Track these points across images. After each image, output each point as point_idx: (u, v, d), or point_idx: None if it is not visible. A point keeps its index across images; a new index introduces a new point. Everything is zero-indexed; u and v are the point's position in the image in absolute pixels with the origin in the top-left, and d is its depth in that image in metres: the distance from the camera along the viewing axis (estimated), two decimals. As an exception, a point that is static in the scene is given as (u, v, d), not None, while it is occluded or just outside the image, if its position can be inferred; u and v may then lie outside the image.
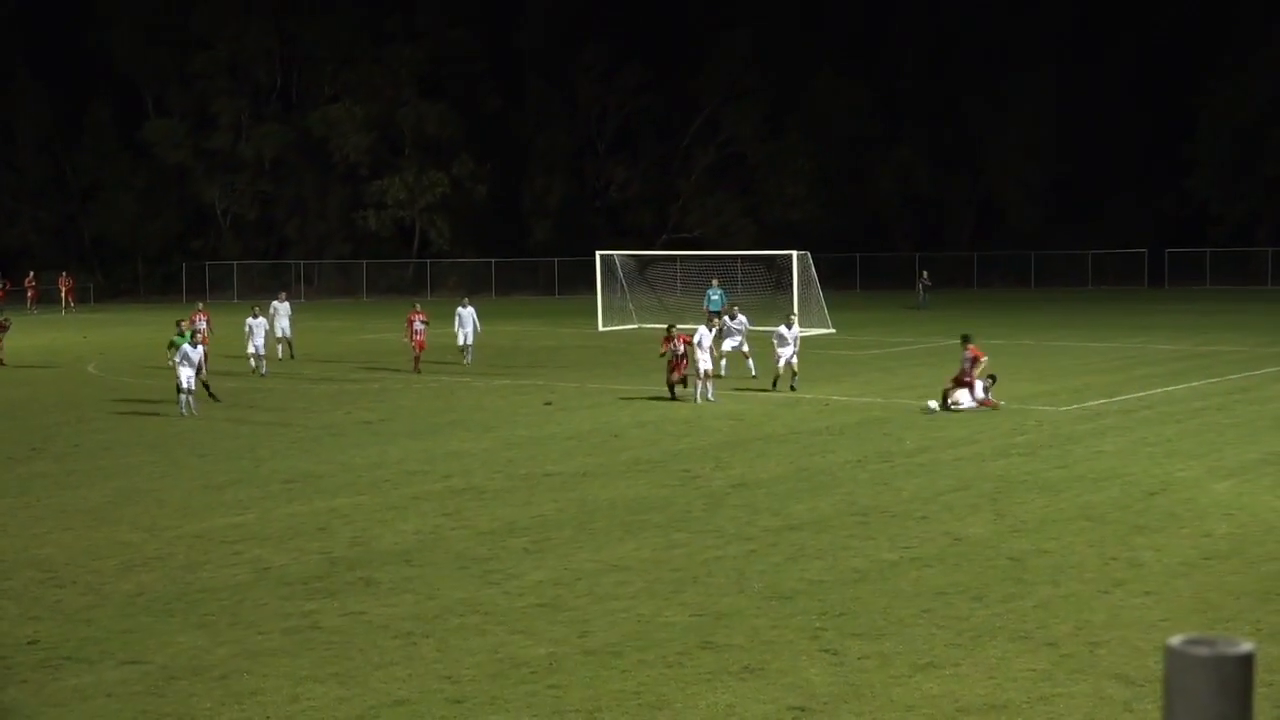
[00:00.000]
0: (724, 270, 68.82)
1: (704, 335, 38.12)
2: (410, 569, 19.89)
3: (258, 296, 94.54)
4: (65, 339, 62.21)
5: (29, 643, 16.60)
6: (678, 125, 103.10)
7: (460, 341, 49.08)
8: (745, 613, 17.26)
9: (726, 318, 44.70)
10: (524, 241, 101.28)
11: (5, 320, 52.08)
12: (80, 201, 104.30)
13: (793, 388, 39.19)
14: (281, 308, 51.17)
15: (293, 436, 33.13)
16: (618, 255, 69.83)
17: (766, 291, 66.60)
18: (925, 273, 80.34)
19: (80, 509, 24.78)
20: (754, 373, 41.84)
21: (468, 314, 49.29)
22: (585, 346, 55.55)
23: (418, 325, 46.92)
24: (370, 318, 76.93)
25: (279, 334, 50.62)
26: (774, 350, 39.85)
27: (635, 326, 62.98)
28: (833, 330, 59.86)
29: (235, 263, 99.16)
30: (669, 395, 37.62)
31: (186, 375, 36.50)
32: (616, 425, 33.60)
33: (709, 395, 37.78)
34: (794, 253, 62.72)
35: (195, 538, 22.22)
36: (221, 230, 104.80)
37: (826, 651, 15.61)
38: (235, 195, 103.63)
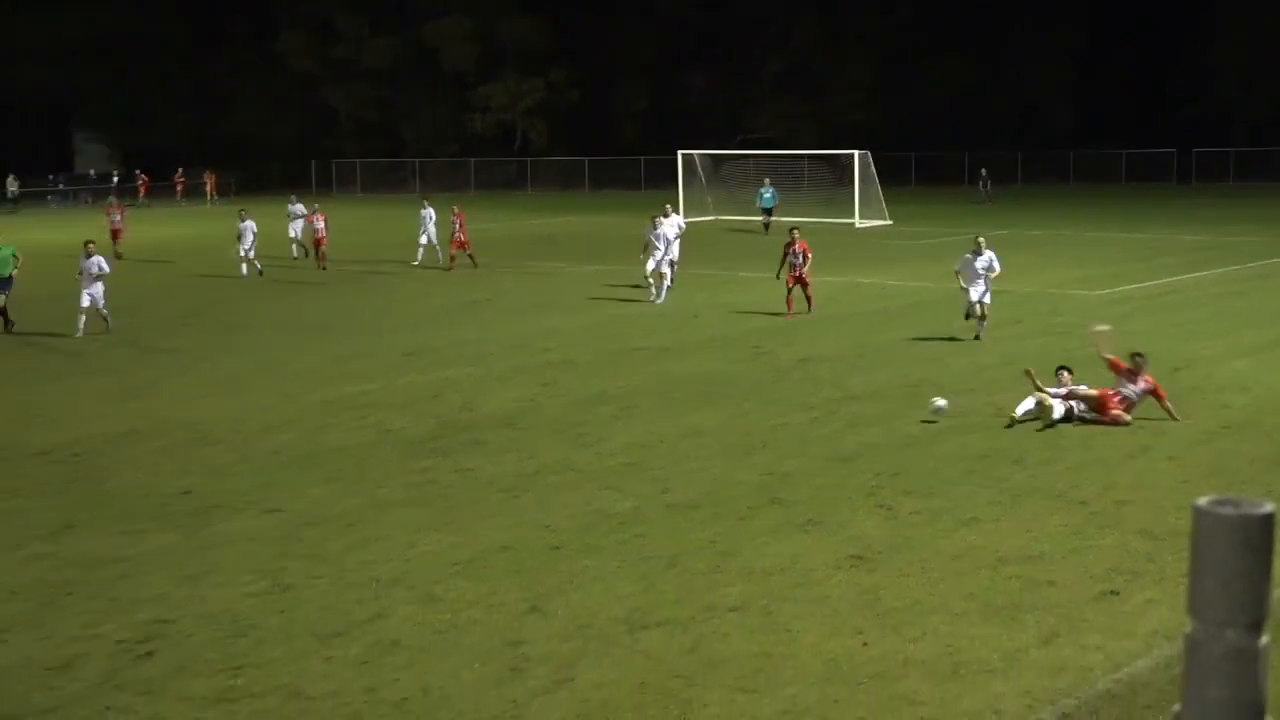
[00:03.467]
0: (790, 169, 68.22)
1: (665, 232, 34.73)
2: (513, 432, 20.04)
3: (378, 191, 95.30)
4: (210, 228, 62.66)
5: (183, 493, 16.91)
6: (749, 36, 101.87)
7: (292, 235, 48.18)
8: (808, 473, 17.31)
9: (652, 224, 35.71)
10: (614, 141, 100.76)
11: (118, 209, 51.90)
12: (221, 106, 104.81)
13: (978, 335, 27.51)
14: (296, 209, 49.01)
15: (410, 314, 33.33)
16: (697, 154, 69.37)
17: (828, 188, 65.98)
18: (985, 170, 79.04)
19: (224, 378, 25.12)
20: (658, 298, 34.32)
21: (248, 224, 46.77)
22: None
23: (319, 223, 44.94)
24: (476, 210, 76.88)
25: (291, 235, 48.30)
26: (962, 288, 28.01)
27: (713, 218, 62.68)
28: (890, 222, 59.29)
29: (358, 161, 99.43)
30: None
31: (87, 294, 30.88)
32: (695, 306, 33.54)
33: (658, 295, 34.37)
34: (855, 152, 62.04)
35: (325, 403, 22.48)
36: (345, 131, 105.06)
37: (881, 507, 15.64)
38: (357, 100, 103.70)
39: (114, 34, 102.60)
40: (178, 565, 14.03)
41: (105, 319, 30.90)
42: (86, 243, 31.61)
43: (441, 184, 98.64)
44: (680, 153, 68.60)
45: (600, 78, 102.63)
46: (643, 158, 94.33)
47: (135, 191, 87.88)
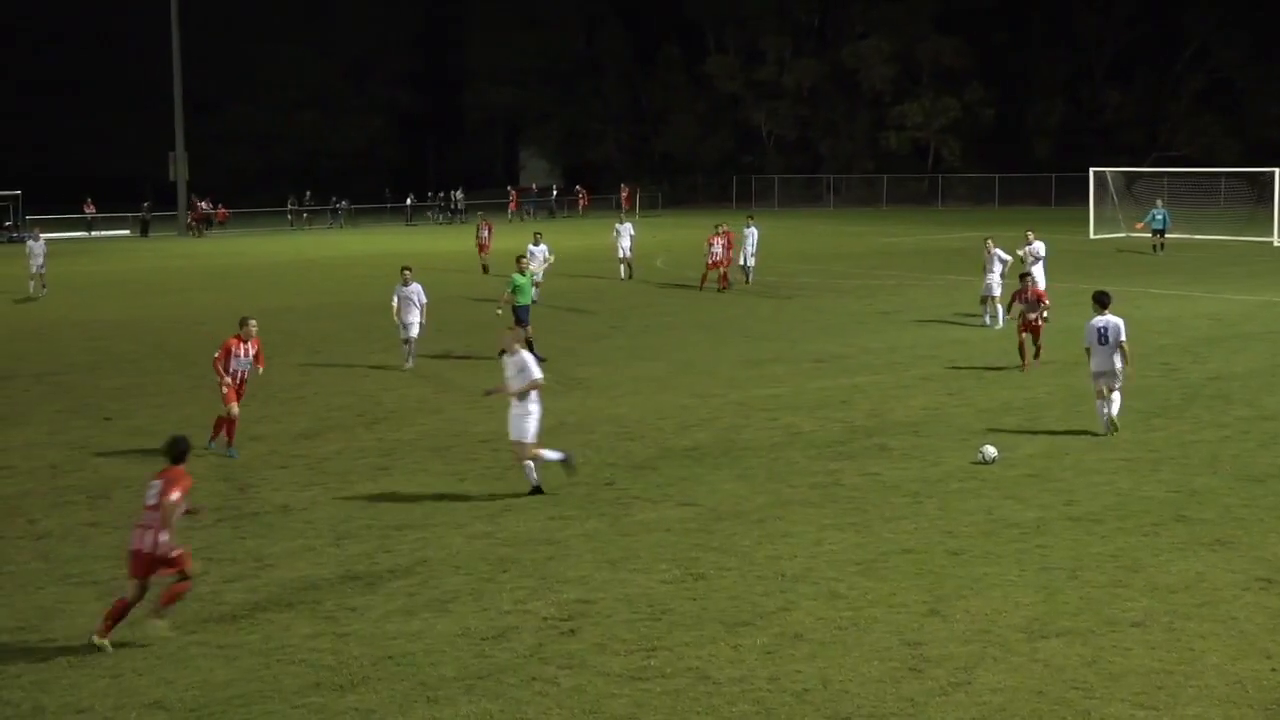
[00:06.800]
0: (1205, 186, 64.95)
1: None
2: (918, 438, 19.79)
3: (794, 206, 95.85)
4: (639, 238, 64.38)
5: (606, 484, 17.43)
6: (1168, 53, 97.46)
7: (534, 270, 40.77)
8: (1218, 491, 16.41)
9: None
10: (1025, 158, 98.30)
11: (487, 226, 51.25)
12: (652, 124, 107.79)
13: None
14: (37, 247, 44.01)
15: (823, 323, 33.38)
16: (1109, 171, 66.93)
17: (1249, 205, 62.43)
18: None
19: (647, 377, 25.74)
20: (993, 323, 31.58)
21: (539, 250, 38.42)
22: (1077, 251, 53.52)
23: (717, 247, 41.46)
24: (887, 224, 76.44)
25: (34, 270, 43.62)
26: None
27: (1123, 235, 60.29)
28: (1312, 240, 55.65)
29: (777, 177, 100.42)
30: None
31: (405, 324, 27.11)
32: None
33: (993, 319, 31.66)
34: (1276, 169, 58.47)
35: (738, 404, 22.75)
36: (766, 149, 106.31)
37: (1295, 530, 14.68)
38: (778, 119, 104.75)
39: (561, 58, 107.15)
40: (601, 550, 14.46)
41: (409, 352, 27.15)
42: (404, 269, 28.11)
43: (855, 199, 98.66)
44: (1092, 170, 66.37)
45: (1015, 96, 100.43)
46: (1053, 175, 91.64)
47: (507, 207, 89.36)
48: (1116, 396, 19.64)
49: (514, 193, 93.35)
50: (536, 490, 16.79)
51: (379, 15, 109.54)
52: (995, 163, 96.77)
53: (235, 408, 19.55)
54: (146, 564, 11.89)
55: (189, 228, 79.02)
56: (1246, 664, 10.96)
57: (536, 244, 38.41)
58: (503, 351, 17.69)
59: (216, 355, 19.94)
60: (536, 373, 16.89)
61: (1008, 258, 32.75)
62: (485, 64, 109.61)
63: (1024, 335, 25.86)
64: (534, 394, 16.85)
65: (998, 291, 32.05)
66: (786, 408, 22.35)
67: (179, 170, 79.86)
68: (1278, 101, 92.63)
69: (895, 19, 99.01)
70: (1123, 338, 19.47)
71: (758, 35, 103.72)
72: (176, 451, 12.40)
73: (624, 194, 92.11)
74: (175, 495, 11.91)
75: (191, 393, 24.88)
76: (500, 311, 28.82)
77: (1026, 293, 26.04)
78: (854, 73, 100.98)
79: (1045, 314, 26.01)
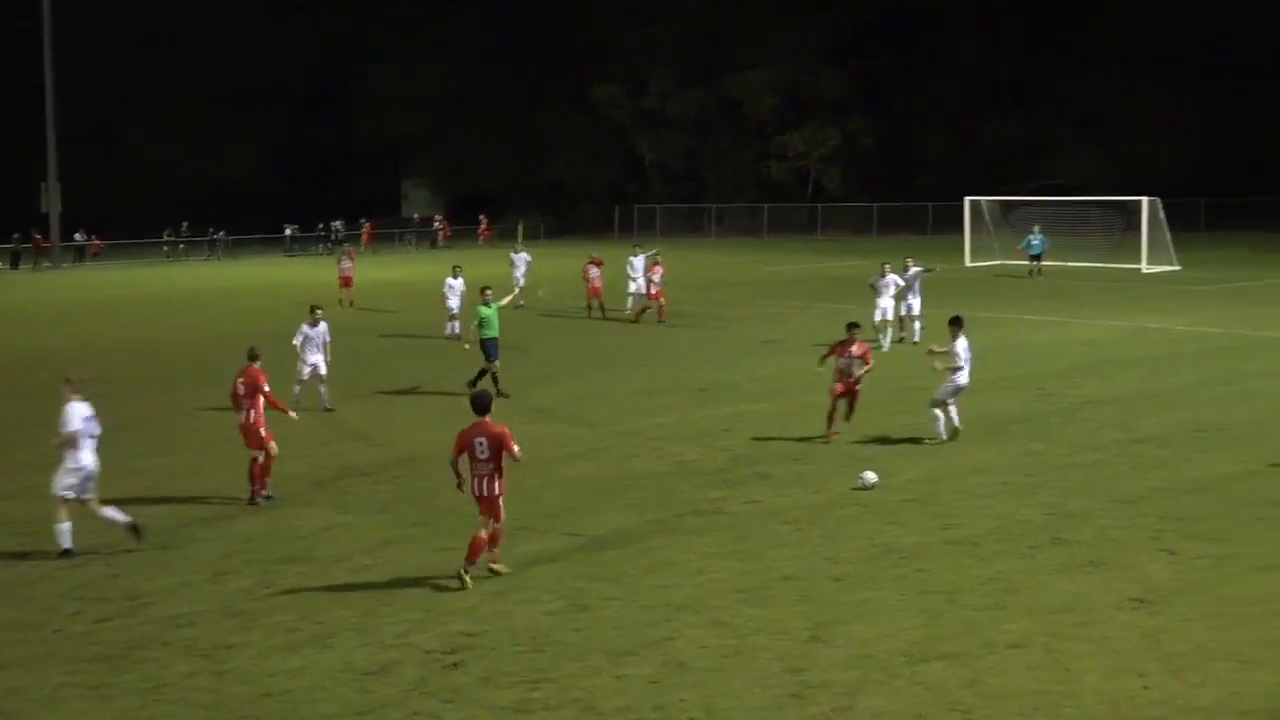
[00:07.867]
0: (1078, 214, 66.36)
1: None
2: (800, 466, 19.94)
3: (676, 236, 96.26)
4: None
5: (492, 514, 17.30)
6: (1049, 84, 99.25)
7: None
8: (1092, 514, 16.72)
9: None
10: (907, 187, 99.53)
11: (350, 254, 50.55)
12: (538, 154, 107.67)
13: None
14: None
15: (708, 352, 33.52)
16: (984, 200, 68.08)
17: (1118, 233, 63.84)
18: None
19: (540, 407, 25.67)
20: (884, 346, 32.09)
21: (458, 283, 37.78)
22: (953, 280, 54.32)
23: (593, 273, 41.95)
24: (769, 253, 77.02)
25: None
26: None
27: (999, 262, 61.29)
28: (1178, 267, 56.97)
29: (659, 206, 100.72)
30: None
31: (309, 365, 25.94)
32: (981, 348, 32.75)
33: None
34: (1144, 198, 59.89)
35: (627, 434, 22.75)
36: (650, 179, 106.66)
37: (1166, 551, 14.99)
38: (663, 148, 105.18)
39: (449, 88, 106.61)
40: (486, 582, 14.35)
41: (324, 396, 25.92)
42: (313, 308, 26.58)
43: (738, 228, 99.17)
44: (967, 199, 67.48)
45: (899, 125, 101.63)
46: (930, 204, 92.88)
47: (361, 239, 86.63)
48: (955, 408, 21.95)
49: (368, 225, 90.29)
50: (66, 553, 15.55)
51: (271, 44, 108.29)
52: (877, 192, 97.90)
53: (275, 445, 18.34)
54: (491, 505, 14.25)
55: (33, 259, 76.30)
56: (1121, 682, 11.15)
57: (455, 277, 37.37)
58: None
59: (267, 390, 18.42)
60: (71, 425, 15.71)
61: (901, 282, 34.60)
62: (374, 94, 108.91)
63: (837, 399, 22.02)
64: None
65: (890, 315, 33.80)
66: (673, 437, 22.39)
67: (51, 201, 78.13)
68: (1152, 132, 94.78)
69: (781, 49, 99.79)
70: (969, 355, 22.46)
71: (646, 64, 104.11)
72: (484, 405, 14.43)
73: (482, 225, 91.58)
74: (517, 449, 14.17)
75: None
76: (469, 346, 28.49)
77: (852, 344, 22.24)
78: (739, 103, 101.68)
79: (864, 373, 22.24)
